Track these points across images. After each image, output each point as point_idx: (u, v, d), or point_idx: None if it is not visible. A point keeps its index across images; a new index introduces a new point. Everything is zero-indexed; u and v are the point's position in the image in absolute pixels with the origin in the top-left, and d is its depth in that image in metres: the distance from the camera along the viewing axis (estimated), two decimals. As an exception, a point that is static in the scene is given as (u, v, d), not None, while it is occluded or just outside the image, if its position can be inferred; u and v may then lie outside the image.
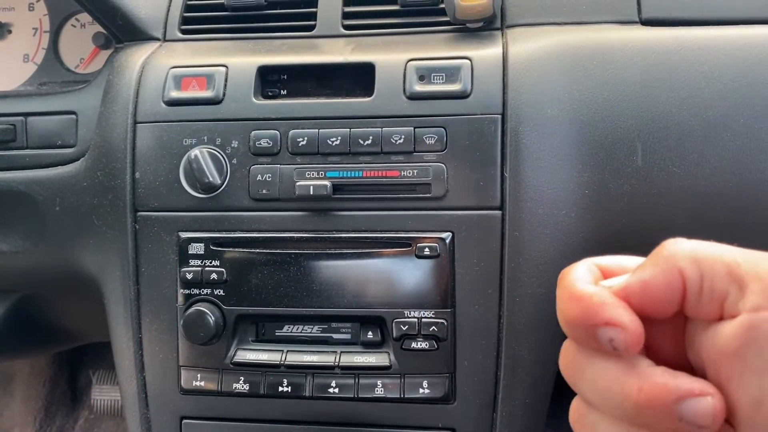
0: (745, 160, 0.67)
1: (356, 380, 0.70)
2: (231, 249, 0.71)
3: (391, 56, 0.74)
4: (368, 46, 0.77)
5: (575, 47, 0.72)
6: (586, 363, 0.35)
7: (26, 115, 0.81)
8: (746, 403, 0.33)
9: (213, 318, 0.70)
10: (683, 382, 0.33)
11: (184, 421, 0.75)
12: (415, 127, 0.69)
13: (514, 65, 0.71)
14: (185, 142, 0.73)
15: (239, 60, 0.76)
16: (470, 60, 0.72)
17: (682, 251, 0.34)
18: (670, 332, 0.37)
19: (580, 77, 0.70)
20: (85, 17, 0.95)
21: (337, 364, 0.70)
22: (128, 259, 0.74)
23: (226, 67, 0.75)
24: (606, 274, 0.38)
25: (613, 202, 0.68)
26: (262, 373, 0.71)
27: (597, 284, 0.36)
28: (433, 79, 0.71)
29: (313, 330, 0.73)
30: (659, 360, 0.36)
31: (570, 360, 0.36)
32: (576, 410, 0.38)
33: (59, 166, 0.80)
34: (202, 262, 0.72)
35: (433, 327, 0.68)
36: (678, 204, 0.68)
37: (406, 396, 0.69)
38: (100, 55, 0.94)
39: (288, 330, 0.73)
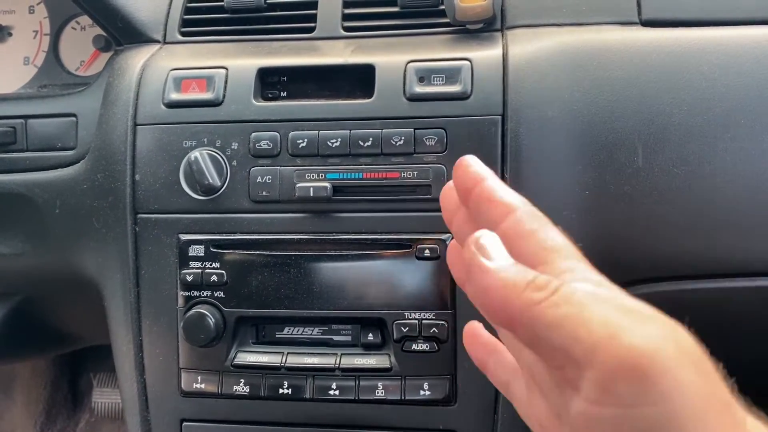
0: (746, 160, 0.67)
1: (357, 382, 0.70)
2: (231, 251, 0.71)
3: (391, 58, 0.74)
4: (368, 48, 0.77)
5: (575, 48, 0.72)
6: None
7: (26, 117, 0.81)
8: None
9: (213, 320, 0.70)
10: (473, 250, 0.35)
11: (185, 423, 0.75)
12: (415, 129, 0.69)
13: (514, 66, 0.71)
14: (185, 144, 0.73)
15: (239, 62, 0.76)
16: (470, 61, 0.72)
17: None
18: None
19: (580, 78, 0.70)
20: (85, 20, 0.95)
21: (337, 366, 0.70)
22: (128, 262, 0.74)
23: (226, 69, 0.75)
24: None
25: (614, 203, 0.68)
26: (263, 375, 0.71)
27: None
28: (433, 81, 0.71)
29: (314, 332, 0.72)
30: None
31: None
32: None
33: (59, 169, 0.80)
34: (202, 264, 0.71)
35: (434, 329, 0.68)
36: (679, 205, 0.68)
37: (406, 398, 0.69)
38: (101, 58, 0.94)
39: (288, 332, 0.73)
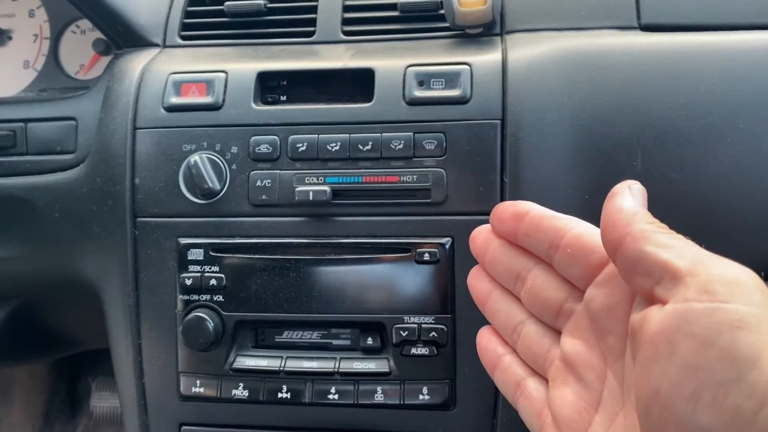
0: (744, 165, 0.67)
1: (356, 386, 0.70)
2: (230, 255, 0.71)
3: (391, 62, 0.74)
4: (368, 52, 0.77)
5: (575, 53, 0.72)
6: None
7: (26, 121, 0.81)
8: (646, 388, 0.35)
9: (212, 324, 0.70)
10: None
11: (183, 427, 0.75)
12: (414, 133, 0.69)
13: (514, 71, 0.71)
14: (185, 147, 0.73)
15: (239, 66, 0.76)
16: (470, 66, 0.72)
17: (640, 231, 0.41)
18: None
19: (579, 83, 0.70)
20: (85, 23, 0.95)
21: (336, 370, 0.70)
22: (128, 265, 0.74)
23: (226, 72, 0.75)
24: None
25: (613, 207, 0.68)
26: (262, 379, 0.71)
27: None
28: (433, 85, 0.71)
29: (313, 336, 0.72)
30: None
31: None
32: None
33: (59, 172, 0.80)
34: (201, 268, 0.71)
35: (433, 333, 0.68)
36: (678, 209, 0.68)
37: (405, 402, 0.69)
38: (100, 62, 0.94)
39: (287, 336, 0.73)
